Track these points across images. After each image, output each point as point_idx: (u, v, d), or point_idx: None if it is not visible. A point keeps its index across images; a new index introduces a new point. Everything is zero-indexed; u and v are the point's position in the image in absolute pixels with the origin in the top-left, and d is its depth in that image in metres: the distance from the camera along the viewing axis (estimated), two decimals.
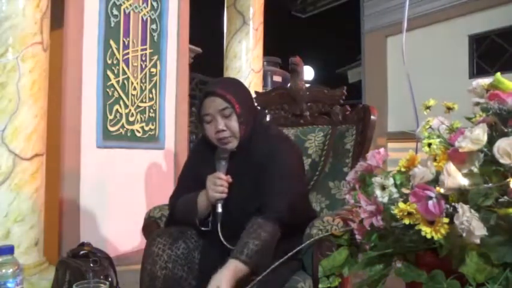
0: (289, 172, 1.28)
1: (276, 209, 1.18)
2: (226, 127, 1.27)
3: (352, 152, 1.65)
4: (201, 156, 1.39)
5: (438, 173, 0.74)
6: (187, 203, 1.32)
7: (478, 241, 0.66)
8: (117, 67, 3.00)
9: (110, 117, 2.94)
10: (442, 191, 0.71)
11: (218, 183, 1.23)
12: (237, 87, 1.34)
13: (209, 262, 1.24)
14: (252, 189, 1.25)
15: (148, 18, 3.26)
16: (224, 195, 1.24)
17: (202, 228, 1.29)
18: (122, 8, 3.04)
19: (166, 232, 1.29)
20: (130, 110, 3.09)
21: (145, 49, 3.23)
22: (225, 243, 1.21)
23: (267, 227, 1.16)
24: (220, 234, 1.22)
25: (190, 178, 1.39)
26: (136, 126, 3.15)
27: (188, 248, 1.26)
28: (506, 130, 0.73)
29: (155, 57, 3.32)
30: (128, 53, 3.08)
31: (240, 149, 1.29)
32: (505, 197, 0.68)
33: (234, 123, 1.27)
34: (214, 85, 1.32)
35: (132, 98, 3.11)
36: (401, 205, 0.73)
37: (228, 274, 1.08)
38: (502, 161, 0.68)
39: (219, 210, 1.23)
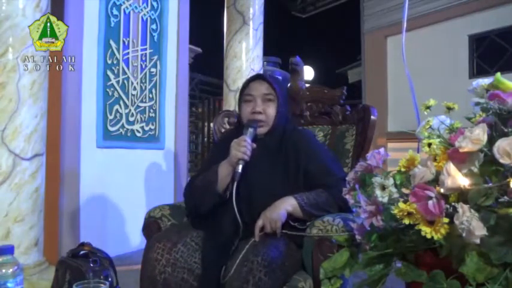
0: (335, 159, 1.48)
1: (336, 188, 1.28)
2: (263, 111, 1.37)
3: (352, 152, 1.65)
4: (227, 142, 1.42)
5: (438, 173, 0.74)
6: (208, 173, 1.35)
7: (478, 241, 0.66)
8: (117, 67, 3.00)
9: (110, 117, 2.94)
10: (442, 191, 0.71)
11: (242, 144, 1.28)
12: (282, 83, 1.48)
13: (211, 258, 1.24)
14: (274, 172, 1.34)
15: (148, 18, 3.26)
16: (246, 157, 1.28)
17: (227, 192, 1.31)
18: (122, 8, 3.04)
19: (165, 237, 1.29)
20: (130, 110, 3.09)
21: (145, 49, 3.23)
22: (235, 207, 1.25)
23: (326, 193, 1.29)
24: (234, 194, 1.26)
25: (214, 162, 1.41)
26: (136, 126, 3.15)
27: (188, 251, 1.26)
28: (506, 130, 0.73)
29: (155, 57, 3.31)
30: (127, 53, 3.07)
31: (268, 136, 1.38)
32: (505, 197, 0.68)
33: (271, 110, 1.39)
34: (263, 73, 1.48)
35: (132, 98, 3.11)
36: (401, 205, 0.73)
37: (286, 203, 1.24)
38: (502, 161, 0.68)
39: (239, 170, 1.27)
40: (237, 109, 1.52)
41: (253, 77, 1.45)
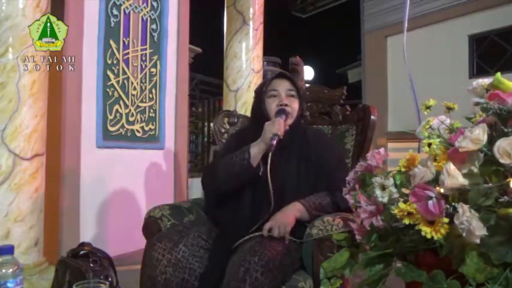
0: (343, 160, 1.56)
1: (339, 190, 1.30)
2: (289, 105, 1.46)
3: (352, 152, 1.65)
4: (246, 135, 1.49)
5: (438, 173, 0.74)
6: (236, 154, 1.40)
7: (478, 241, 0.66)
8: (117, 67, 3.00)
9: (110, 117, 2.94)
10: (442, 191, 0.71)
11: (277, 122, 1.37)
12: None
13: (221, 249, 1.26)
14: (291, 163, 1.41)
15: (148, 18, 3.26)
16: (280, 133, 1.35)
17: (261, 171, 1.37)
18: (122, 8, 3.04)
19: (166, 237, 1.30)
20: (130, 110, 3.09)
21: (145, 49, 3.23)
22: (269, 179, 1.30)
23: (329, 197, 1.35)
24: (268, 165, 1.32)
25: (231, 152, 1.45)
26: (136, 126, 3.15)
27: (189, 251, 1.26)
28: (506, 130, 0.73)
29: (155, 57, 3.31)
30: (127, 53, 3.07)
31: (291, 129, 1.44)
32: (505, 197, 0.68)
33: (295, 105, 1.48)
34: (285, 72, 1.56)
35: (132, 98, 3.11)
36: (401, 205, 0.73)
37: (294, 208, 1.29)
38: (502, 161, 0.68)
39: (274, 143, 1.33)
40: (237, 109, 1.54)
41: (276, 75, 1.52)
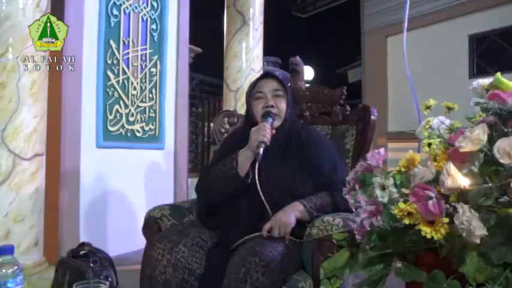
0: (342, 159, 1.52)
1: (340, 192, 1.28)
2: (275, 105, 1.42)
3: (352, 152, 1.65)
4: (236, 139, 1.46)
5: (438, 173, 0.74)
6: (225, 162, 1.38)
7: (478, 241, 0.66)
8: (117, 67, 2.99)
9: (110, 117, 2.94)
10: (442, 191, 0.71)
11: (262, 129, 1.33)
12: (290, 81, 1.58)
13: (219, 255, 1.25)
14: (286, 165, 1.38)
15: (148, 18, 3.26)
16: (266, 140, 1.32)
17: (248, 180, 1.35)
18: (122, 8, 3.04)
19: (166, 237, 1.30)
20: (130, 110, 3.09)
21: (145, 49, 3.23)
22: (259, 188, 1.28)
23: (330, 198, 1.33)
24: (256, 175, 1.30)
25: (224, 157, 1.43)
26: (137, 126, 3.15)
27: (189, 251, 1.26)
28: (506, 130, 0.73)
29: (155, 57, 3.31)
30: (128, 53, 3.07)
31: (280, 130, 1.41)
32: (505, 197, 0.68)
33: (282, 105, 1.43)
34: (272, 71, 1.47)
35: (132, 98, 3.11)
36: (401, 205, 0.73)
37: (294, 208, 1.27)
38: (502, 161, 0.68)
39: (260, 152, 1.30)
40: (237, 109, 1.54)
41: (262, 75, 1.49)
